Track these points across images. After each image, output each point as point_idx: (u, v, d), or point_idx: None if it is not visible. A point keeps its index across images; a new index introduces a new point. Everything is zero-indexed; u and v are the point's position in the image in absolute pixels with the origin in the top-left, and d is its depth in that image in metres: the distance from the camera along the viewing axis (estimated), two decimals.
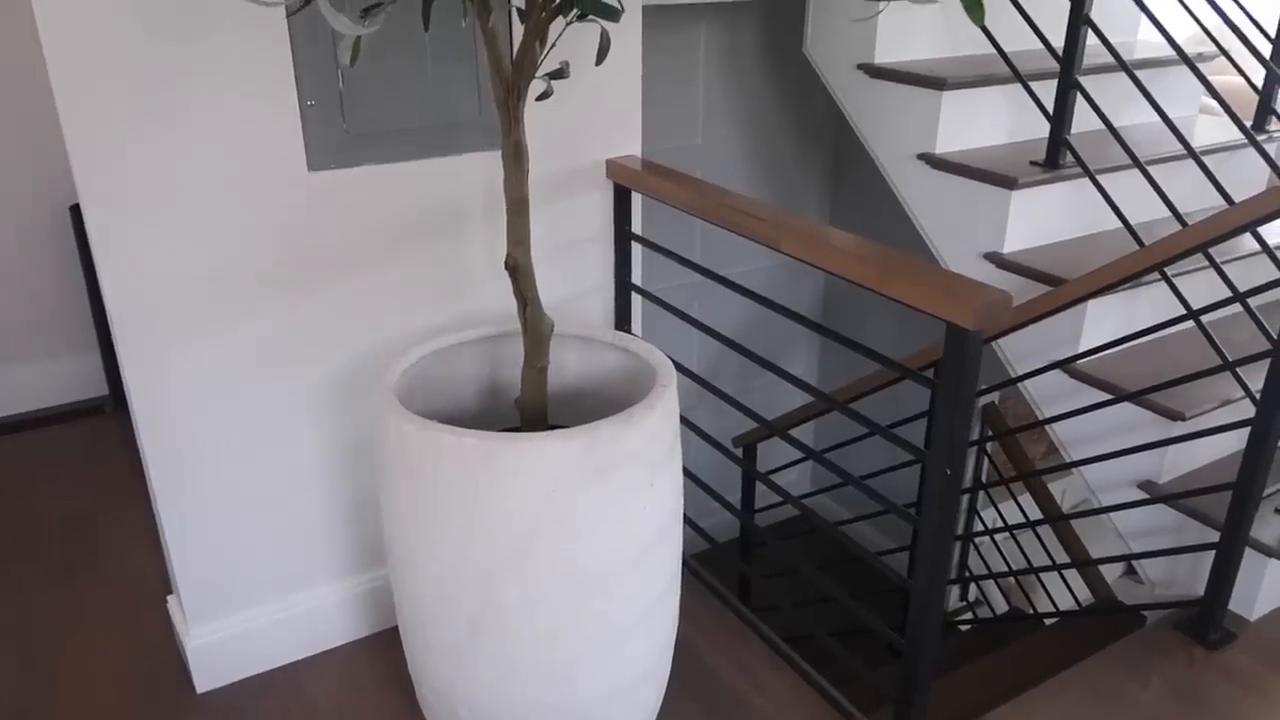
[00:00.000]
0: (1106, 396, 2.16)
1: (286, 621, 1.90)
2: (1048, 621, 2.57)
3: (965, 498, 3.08)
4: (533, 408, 1.56)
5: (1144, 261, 1.96)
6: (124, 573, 2.22)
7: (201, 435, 1.72)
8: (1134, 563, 2.20)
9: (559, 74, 1.31)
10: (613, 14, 1.16)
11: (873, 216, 3.60)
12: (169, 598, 1.95)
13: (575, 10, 1.20)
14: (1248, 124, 2.73)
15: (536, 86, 1.34)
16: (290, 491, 1.84)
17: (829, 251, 1.43)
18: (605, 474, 1.39)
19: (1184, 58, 2.19)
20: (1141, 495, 2.15)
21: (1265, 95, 2.72)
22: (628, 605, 1.50)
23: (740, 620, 2.07)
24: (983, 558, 3.32)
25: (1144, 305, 2.27)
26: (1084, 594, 3.08)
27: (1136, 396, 2.03)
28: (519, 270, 1.45)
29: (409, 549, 1.46)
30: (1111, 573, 2.90)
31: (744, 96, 3.42)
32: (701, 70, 3.29)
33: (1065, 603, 3.07)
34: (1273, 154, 2.80)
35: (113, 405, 2.94)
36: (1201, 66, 2.86)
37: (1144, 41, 3.06)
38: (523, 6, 1.23)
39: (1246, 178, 2.66)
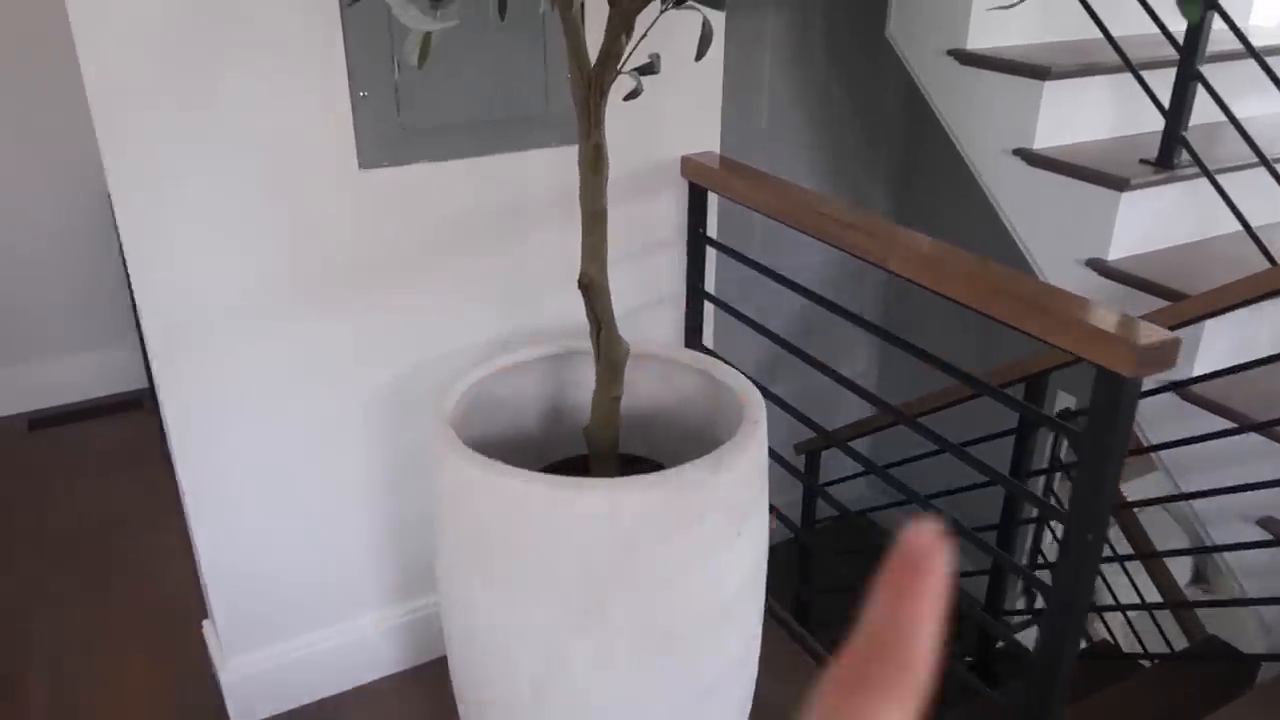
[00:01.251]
0: (1221, 421, 1.96)
1: (328, 652, 1.77)
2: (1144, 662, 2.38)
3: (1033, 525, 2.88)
4: (603, 440, 1.40)
5: (1277, 280, 1.76)
6: (160, 588, 2.11)
7: (240, 453, 1.58)
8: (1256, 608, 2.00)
9: (649, 69, 1.13)
10: (719, 2, 0.98)
11: (944, 214, 3.38)
12: (205, 622, 1.83)
13: None
14: None
15: (622, 83, 1.17)
16: (335, 513, 1.70)
17: (951, 278, 1.25)
18: (690, 525, 1.23)
19: None
20: (1260, 532, 1.95)
21: None
22: (709, 665, 1.34)
23: (806, 653, 1.91)
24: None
25: (1265, 322, 2.06)
26: (1164, 618, 2.88)
27: (1267, 428, 1.83)
28: (594, 290, 1.28)
29: (465, 600, 1.31)
30: (1181, 576, 2.69)
31: (811, 81, 3.21)
32: (769, 52, 3.09)
33: (1143, 628, 2.87)
34: None
35: (151, 399, 2.82)
36: None
37: (1255, 27, 2.81)
38: None
39: None
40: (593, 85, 1.13)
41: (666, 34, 1.18)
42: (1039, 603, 3.61)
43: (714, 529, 1.25)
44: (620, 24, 1.08)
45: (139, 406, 2.82)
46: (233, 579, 1.65)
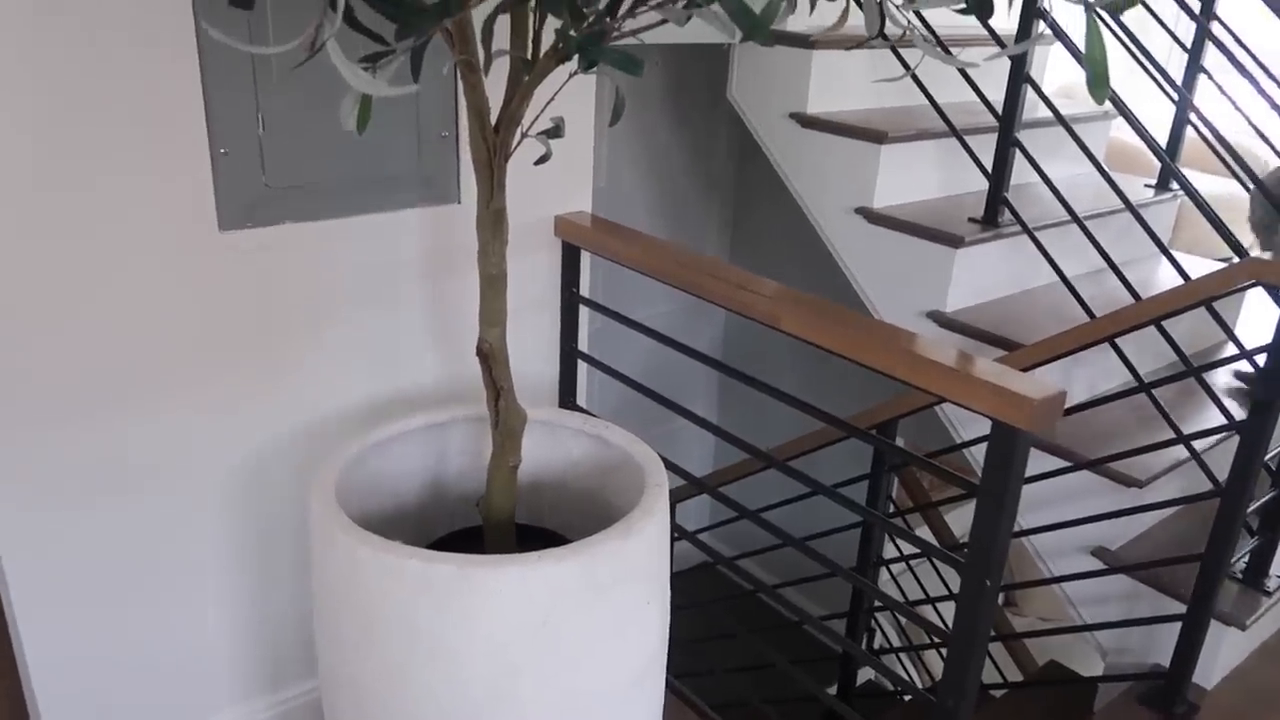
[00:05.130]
0: (1054, 460, 2.11)
1: None
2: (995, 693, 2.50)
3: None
4: (500, 511, 1.34)
5: (1099, 332, 1.92)
6: None
7: (74, 553, 1.41)
8: (1092, 633, 2.15)
9: (555, 132, 1.11)
10: (636, 69, 0.98)
11: (774, 262, 3.52)
12: None
13: (582, 62, 1.01)
14: (1151, 181, 2.79)
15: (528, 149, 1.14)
16: (189, 606, 1.55)
17: (843, 336, 1.29)
18: (602, 595, 1.19)
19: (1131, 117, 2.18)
20: (1095, 563, 2.10)
21: (1170, 153, 2.78)
22: None
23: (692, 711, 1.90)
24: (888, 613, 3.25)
25: (1086, 367, 2.24)
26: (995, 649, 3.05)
27: (1097, 465, 1.98)
28: (493, 357, 1.23)
29: (361, 695, 1.22)
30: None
31: (649, 140, 3.29)
32: (606, 113, 3.13)
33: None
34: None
35: None
36: (1100, 124, 2.92)
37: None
38: (525, 56, 1.03)
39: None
40: (495, 150, 1.10)
41: (544, 95, 1.16)
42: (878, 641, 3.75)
43: (626, 598, 1.22)
44: (531, 86, 1.05)
45: None
46: (70, 698, 1.47)
